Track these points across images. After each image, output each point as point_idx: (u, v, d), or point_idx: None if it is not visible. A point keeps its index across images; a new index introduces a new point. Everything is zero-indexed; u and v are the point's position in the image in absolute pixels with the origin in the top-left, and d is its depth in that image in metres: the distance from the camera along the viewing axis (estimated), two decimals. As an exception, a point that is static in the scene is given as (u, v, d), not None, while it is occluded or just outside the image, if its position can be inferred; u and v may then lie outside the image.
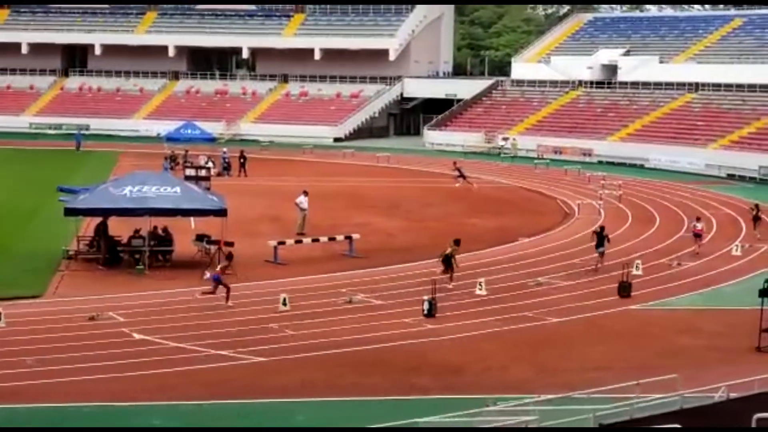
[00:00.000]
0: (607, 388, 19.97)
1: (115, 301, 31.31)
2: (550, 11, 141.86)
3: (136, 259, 36.82)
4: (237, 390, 22.87)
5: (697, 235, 41.96)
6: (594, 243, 38.05)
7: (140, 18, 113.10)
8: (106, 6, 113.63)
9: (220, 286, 31.34)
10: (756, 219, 46.44)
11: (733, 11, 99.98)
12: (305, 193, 44.91)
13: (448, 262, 34.86)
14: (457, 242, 35.67)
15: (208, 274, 34.89)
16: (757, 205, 47.81)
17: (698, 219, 43.81)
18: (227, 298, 31.14)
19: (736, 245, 42.06)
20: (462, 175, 64.55)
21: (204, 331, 27.81)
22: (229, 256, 33.81)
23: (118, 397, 22.21)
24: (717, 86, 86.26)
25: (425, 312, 29.96)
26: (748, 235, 45.66)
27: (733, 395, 17.97)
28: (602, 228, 39.07)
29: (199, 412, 21.43)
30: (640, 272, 36.45)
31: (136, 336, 27.31)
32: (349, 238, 40.60)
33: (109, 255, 37.39)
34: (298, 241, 40.43)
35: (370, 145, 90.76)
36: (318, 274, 36.14)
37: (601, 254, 37.53)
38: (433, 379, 24.00)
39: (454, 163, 67.98)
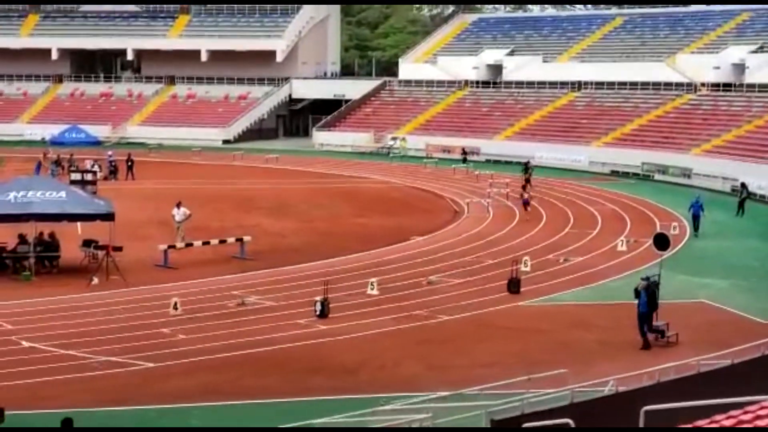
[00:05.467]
0: (498, 384, 20.22)
1: (2, 309, 30.75)
2: (435, 12, 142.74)
3: (23, 265, 36.20)
4: (129, 396, 22.65)
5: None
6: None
7: (22, 20, 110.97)
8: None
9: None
10: (526, 204, 52.06)
11: (614, 10, 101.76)
12: (178, 205, 43.02)
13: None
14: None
15: (95, 280, 34.55)
16: (524, 186, 55.91)
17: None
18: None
19: (622, 240, 42.87)
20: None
21: (94, 337, 27.47)
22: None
23: (7, 405, 21.78)
24: (600, 84, 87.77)
25: (318, 313, 30.01)
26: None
27: (621, 389, 18.32)
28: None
29: (93, 419, 21.18)
30: (528, 269, 36.94)
31: (25, 344, 26.87)
32: (240, 240, 40.44)
33: (-6, 262, 36.76)
34: (189, 245, 40.07)
35: (260, 147, 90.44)
36: (209, 277, 35.95)
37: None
38: (327, 380, 24.05)
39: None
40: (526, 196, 52.75)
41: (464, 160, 79.09)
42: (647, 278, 27.88)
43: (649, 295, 27.27)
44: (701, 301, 32.84)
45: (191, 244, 40.05)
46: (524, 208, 51.57)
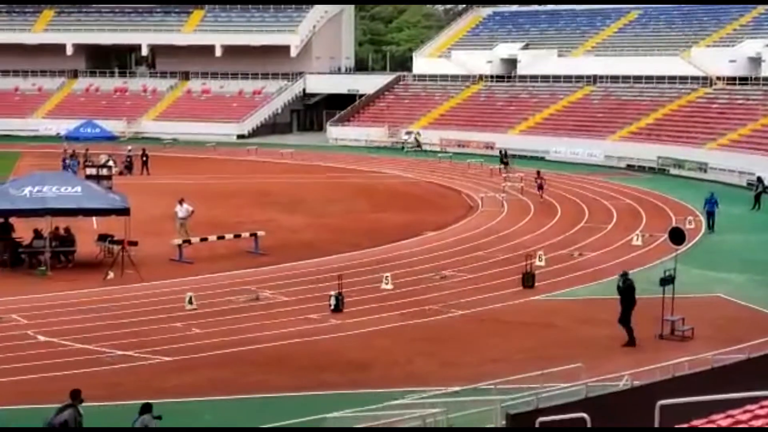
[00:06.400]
0: (512, 379, 20.17)
1: (18, 303, 30.88)
2: (449, 6, 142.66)
3: (38, 260, 36.28)
4: (143, 390, 22.63)
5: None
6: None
7: (37, 16, 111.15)
8: (1, 5, 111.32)
9: None
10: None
11: (629, 4, 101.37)
12: (180, 202, 42.75)
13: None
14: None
15: (111, 274, 34.60)
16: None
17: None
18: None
19: (637, 235, 42.75)
20: None
21: (109, 331, 27.51)
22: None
23: (24, 399, 21.90)
24: (615, 78, 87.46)
25: (332, 307, 30.01)
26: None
27: (636, 383, 18.27)
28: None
29: (106, 413, 21.20)
30: (543, 263, 36.86)
31: (41, 338, 26.95)
32: (254, 235, 40.46)
33: (9, 256, 36.82)
34: (203, 239, 40.11)
35: (274, 142, 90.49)
36: (223, 272, 35.98)
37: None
38: (340, 375, 24.04)
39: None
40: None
41: (417, 146, 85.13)
42: (624, 274, 27.93)
43: (622, 291, 27.22)
44: (717, 296, 32.73)
45: (206, 239, 40.09)
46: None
